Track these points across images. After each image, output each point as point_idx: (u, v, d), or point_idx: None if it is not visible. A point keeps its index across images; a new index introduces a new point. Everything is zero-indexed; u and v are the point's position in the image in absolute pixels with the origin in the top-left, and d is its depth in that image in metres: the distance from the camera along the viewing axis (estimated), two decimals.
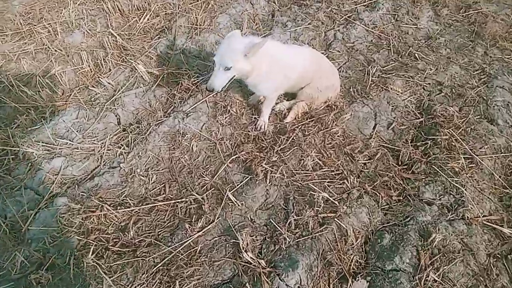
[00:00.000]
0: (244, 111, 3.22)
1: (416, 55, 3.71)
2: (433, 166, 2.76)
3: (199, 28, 4.05)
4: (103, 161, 2.92)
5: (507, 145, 2.95)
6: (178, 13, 4.23)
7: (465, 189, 2.61)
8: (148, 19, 4.18)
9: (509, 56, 3.84)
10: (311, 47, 3.74)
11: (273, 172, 2.75)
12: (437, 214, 2.49)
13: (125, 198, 2.68)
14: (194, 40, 3.95)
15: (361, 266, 2.32)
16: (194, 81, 3.49)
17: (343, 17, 4.27)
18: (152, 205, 2.64)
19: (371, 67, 3.59)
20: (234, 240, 2.39)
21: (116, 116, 3.26)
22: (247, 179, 2.77)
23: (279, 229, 2.42)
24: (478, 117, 3.15)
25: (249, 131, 3.09)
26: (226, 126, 3.12)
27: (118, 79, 3.54)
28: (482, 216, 2.49)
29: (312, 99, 3.17)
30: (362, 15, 4.23)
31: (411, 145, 2.94)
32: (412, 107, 3.26)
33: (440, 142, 2.87)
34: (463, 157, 2.78)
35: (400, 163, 2.84)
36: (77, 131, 3.10)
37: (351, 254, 2.36)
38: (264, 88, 2.86)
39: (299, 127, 3.07)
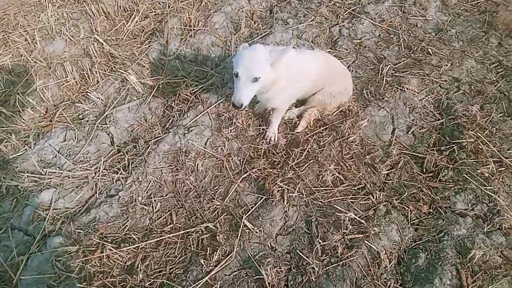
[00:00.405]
0: (250, 122, 2.95)
1: (429, 50, 3.47)
2: (461, 173, 2.55)
3: (193, 29, 3.74)
4: (99, 190, 2.62)
5: None
6: (169, 13, 3.90)
7: (498, 196, 2.42)
8: (136, 22, 3.84)
9: None
10: (320, 48, 3.45)
11: (290, 191, 2.50)
12: (472, 226, 2.29)
13: (128, 232, 2.40)
14: (189, 43, 3.64)
15: None
16: (192, 90, 3.19)
17: (347, 10, 4.00)
18: (159, 238, 2.36)
19: (383, 66, 3.34)
20: (257, 276, 2.13)
21: (108, 135, 2.95)
22: (262, 200, 2.51)
23: (305, 258, 2.16)
24: (501, 115, 2.95)
25: (258, 145, 2.81)
26: (232, 140, 2.85)
27: (108, 92, 3.21)
28: None
29: (324, 105, 2.92)
30: (368, 8, 3.96)
31: (435, 150, 2.70)
32: (430, 107, 3.03)
33: (466, 146, 2.66)
34: (492, 161, 2.55)
35: (425, 171, 2.62)
36: (66, 156, 2.79)
37: (386, 279, 2.13)
38: (280, 100, 2.59)
39: (313, 137, 2.81)
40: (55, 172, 2.68)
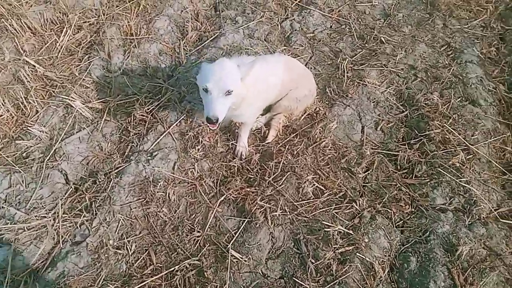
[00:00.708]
0: (218, 138, 2.78)
1: (382, 38, 3.49)
2: (434, 166, 2.62)
3: (136, 38, 3.42)
4: (62, 238, 2.36)
5: (494, 127, 2.90)
6: (105, 22, 3.53)
7: (471, 186, 2.50)
8: (69, 35, 3.42)
9: (467, 26, 3.79)
10: (277, 49, 3.32)
11: (272, 209, 2.41)
12: (454, 221, 2.37)
13: (104, 282, 2.19)
14: (134, 54, 3.34)
15: None
16: (148, 108, 2.94)
17: (294, 2, 3.87)
18: (140, 283, 2.18)
19: (341, 60, 3.30)
20: None
21: (61, 172, 2.65)
22: (244, 224, 2.39)
23: (301, 282, 2.10)
24: (459, 99, 3.06)
25: (230, 162, 2.67)
26: (201, 160, 2.68)
27: (52, 122, 2.87)
28: (495, 211, 2.40)
29: (291, 110, 2.84)
30: None
31: (406, 145, 2.74)
32: (393, 99, 3.06)
33: (434, 137, 2.73)
34: (461, 150, 2.64)
35: (399, 168, 2.65)
36: (16, 205, 2.46)
37: None
38: (248, 114, 2.46)
39: (285, 146, 2.72)
40: (5, 227, 2.35)
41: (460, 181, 2.49)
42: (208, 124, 2.10)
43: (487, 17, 3.90)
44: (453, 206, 2.41)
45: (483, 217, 2.36)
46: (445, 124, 2.79)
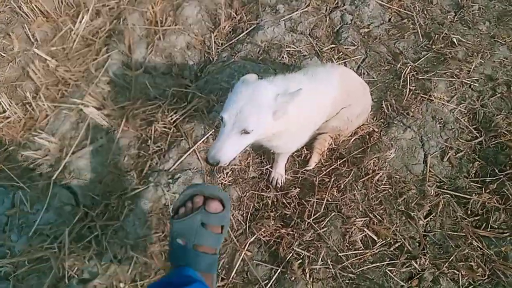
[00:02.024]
0: (250, 160, 2.39)
1: (453, 39, 2.91)
2: None
3: (161, 27, 3.00)
4: (68, 273, 2.08)
5: None
6: (126, 6, 3.11)
7: None
8: (86, 22, 3.04)
9: None
10: (328, 60, 2.82)
11: (312, 259, 2.03)
12: None
13: None
14: (158, 48, 2.95)
15: None
16: (171, 118, 2.56)
17: None
18: None
19: (401, 65, 2.78)
20: None
21: (71, 192, 2.36)
22: (277, 274, 2.03)
23: None
24: None
25: (263, 191, 2.29)
26: (230, 186, 2.32)
27: (62, 130, 2.57)
28: None
29: (339, 132, 2.39)
30: None
31: (479, 183, 2.26)
32: (464, 120, 2.55)
33: None
34: None
35: (470, 213, 2.18)
36: (17, 230, 2.20)
37: None
38: (289, 146, 2.06)
39: (330, 176, 2.30)
40: (5, 261, 2.10)
41: None
42: (206, 162, 1.70)
43: None
44: None
45: None
46: None
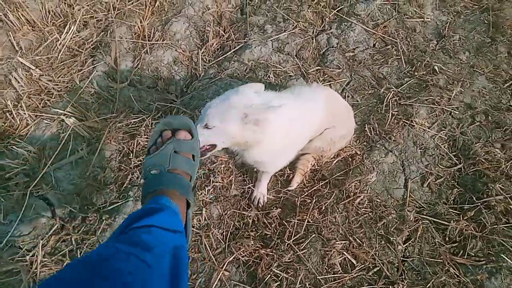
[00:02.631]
0: (232, 178, 2.40)
1: (435, 67, 3.03)
2: (493, 244, 2.20)
3: (149, 41, 3.02)
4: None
5: None
6: (115, 19, 3.13)
7: None
8: (73, 32, 3.04)
9: None
10: (312, 81, 2.89)
11: (290, 281, 2.03)
12: None
13: None
14: (145, 61, 2.96)
15: None
16: None
17: (332, 12, 3.40)
18: None
19: (384, 90, 2.86)
20: None
21: (47, 203, 2.30)
22: None
23: None
24: None
25: (244, 210, 2.29)
26: (211, 204, 2.30)
27: (42, 139, 2.53)
28: None
29: (322, 152, 2.42)
30: (357, 8, 3.40)
31: (457, 209, 2.32)
32: (444, 147, 2.62)
33: (494, 206, 2.27)
34: None
35: (448, 240, 2.22)
36: None
37: None
38: (274, 165, 2.07)
39: (312, 197, 2.32)
40: None
41: None
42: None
43: None
44: None
45: None
46: (508, 188, 2.34)
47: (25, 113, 2.59)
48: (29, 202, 2.30)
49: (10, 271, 2.07)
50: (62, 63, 2.93)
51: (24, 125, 2.59)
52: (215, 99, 1.76)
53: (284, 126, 1.83)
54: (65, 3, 3.21)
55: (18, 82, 2.72)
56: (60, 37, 3.01)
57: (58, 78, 2.84)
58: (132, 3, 3.31)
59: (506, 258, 2.08)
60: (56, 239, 2.21)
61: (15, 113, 2.60)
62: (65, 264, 2.07)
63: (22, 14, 2.99)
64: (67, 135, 2.53)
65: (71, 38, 3.04)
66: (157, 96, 2.86)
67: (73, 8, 3.19)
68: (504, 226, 2.22)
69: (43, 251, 2.14)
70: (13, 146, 2.43)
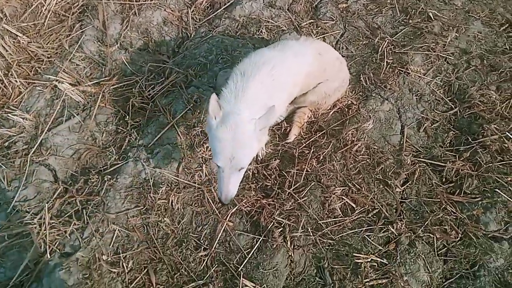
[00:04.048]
0: None
1: (430, 13, 3.04)
2: (488, 181, 2.31)
3: (137, 2, 3.02)
4: (49, 249, 2.13)
5: None
6: None
7: None
8: None
9: None
10: (302, 31, 2.90)
11: (292, 227, 2.14)
12: (510, 253, 2.07)
13: None
14: (134, 23, 2.98)
15: None
16: (149, 93, 2.61)
17: None
18: None
19: (379, 40, 2.89)
20: None
21: (49, 169, 2.39)
22: (259, 243, 2.14)
23: None
24: None
25: None
26: (210, 160, 2.39)
27: (37, 107, 2.58)
28: None
29: (318, 105, 2.49)
30: None
31: (453, 151, 2.42)
32: (440, 92, 2.69)
33: (489, 145, 2.37)
34: None
35: (445, 181, 2.33)
36: None
37: None
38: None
39: (310, 148, 2.41)
40: None
41: None
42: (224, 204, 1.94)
43: None
44: (510, 235, 2.12)
45: None
46: (503, 128, 2.43)
47: (16, 81, 2.62)
48: (30, 169, 2.37)
49: (20, 234, 2.18)
50: (49, 29, 2.93)
51: (17, 93, 2.63)
52: (222, 143, 1.78)
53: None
54: None
55: (6, 50, 2.74)
56: (45, 2, 2.99)
57: (47, 44, 2.86)
58: None
59: (501, 192, 2.19)
60: (61, 202, 2.30)
61: (7, 82, 2.63)
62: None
63: None
64: (61, 101, 2.57)
65: (56, 3, 3.03)
66: (149, 57, 2.89)
67: None
68: (499, 164, 2.32)
69: (49, 213, 2.23)
70: (9, 114, 2.47)
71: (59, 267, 2.08)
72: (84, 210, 2.24)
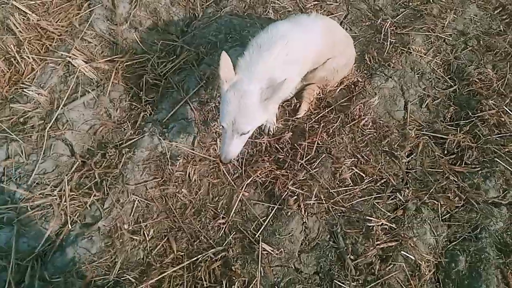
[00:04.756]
0: None
1: None
2: (487, 152, 2.44)
3: None
4: (70, 219, 2.18)
5: None
6: None
7: None
8: None
9: None
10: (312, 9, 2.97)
11: (306, 196, 2.24)
12: (509, 217, 2.22)
13: (120, 272, 2.04)
14: (142, 3, 2.99)
15: None
16: (161, 71, 2.66)
17: None
18: (160, 274, 2.04)
19: (381, 21, 2.98)
20: None
21: (65, 143, 2.42)
22: (274, 211, 2.23)
23: (339, 283, 1.99)
24: None
25: (256, 139, 2.46)
26: None
27: (51, 83, 2.59)
28: None
29: (326, 81, 2.58)
30: None
31: (454, 126, 2.55)
32: (440, 71, 2.81)
33: (487, 119, 2.51)
34: None
35: (447, 153, 2.46)
36: (17, 180, 2.25)
37: None
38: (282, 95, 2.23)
39: (319, 123, 2.50)
40: (6, 206, 2.17)
41: None
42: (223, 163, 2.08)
43: None
44: (508, 201, 2.26)
45: None
46: (500, 104, 2.56)
47: (29, 57, 2.62)
48: (47, 143, 2.40)
49: (42, 205, 2.21)
50: (58, 8, 2.93)
51: (30, 70, 2.64)
52: (229, 104, 1.88)
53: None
54: None
55: (17, 28, 2.73)
56: None
57: (56, 22, 2.85)
58: None
59: (499, 161, 2.33)
60: (79, 175, 2.35)
61: (19, 58, 2.63)
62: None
63: None
64: (75, 77, 2.59)
65: None
66: (158, 37, 2.92)
67: None
68: (497, 136, 2.46)
69: (69, 185, 2.27)
70: (24, 90, 2.48)
71: (81, 237, 2.13)
72: (103, 182, 2.28)
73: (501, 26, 3.08)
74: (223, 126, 1.92)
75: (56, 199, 2.23)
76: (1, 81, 2.61)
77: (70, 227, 2.18)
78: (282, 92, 2.04)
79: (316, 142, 2.41)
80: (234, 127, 1.89)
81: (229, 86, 1.91)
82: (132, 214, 2.21)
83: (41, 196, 2.23)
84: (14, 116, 2.48)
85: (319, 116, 2.56)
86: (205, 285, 2.03)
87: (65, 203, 2.22)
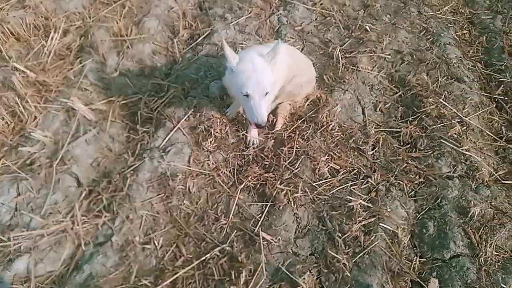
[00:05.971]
0: (228, 129, 2.82)
1: (366, 27, 3.68)
2: (435, 139, 2.80)
3: (128, 38, 3.38)
4: (84, 240, 2.29)
5: (480, 100, 3.15)
6: (92, 24, 3.46)
7: (471, 153, 2.71)
8: (56, 40, 3.33)
9: (439, 12, 4.08)
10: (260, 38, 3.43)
11: (293, 191, 2.48)
12: (461, 186, 2.56)
13: (137, 279, 2.15)
14: (128, 55, 3.31)
15: (420, 263, 2.26)
16: (153, 106, 2.93)
17: None
18: (173, 276, 2.17)
19: (332, 49, 3.45)
20: (290, 286, 2.11)
21: (72, 176, 2.57)
22: (267, 207, 2.44)
23: (335, 255, 2.20)
24: (445, 78, 3.30)
25: (243, 151, 2.72)
26: (215, 152, 2.71)
27: (54, 127, 2.78)
28: (494, 174, 2.63)
29: (294, 96, 2.94)
30: None
31: (405, 122, 2.93)
32: (386, 82, 3.25)
33: (430, 113, 2.91)
34: (456, 122, 2.86)
35: (403, 144, 2.82)
36: (29, 212, 2.37)
37: (407, 255, 2.29)
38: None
39: (295, 132, 2.81)
40: (22, 234, 2.26)
41: (461, 149, 2.69)
42: (257, 127, 2.26)
43: (455, 3, 4.21)
44: (458, 173, 2.60)
45: (486, 180, 2.57)
46: (439, 100, 2.98)
47: (31, 107, 2.82)
48: (56, 177, 2.55)
49: (57, 230, 2.32)
50: (53, 66, 3.19)
51: (33, 118, 2.82)
52: (245, 73, 2.15)
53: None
54: (42, 16, 3.47)
55: (18, 85, 2.94)
56: (46, 44, 3.27)
57: (53, 78, 3.10)
58: (104, 10, 3.65)
59: (446, 143, 2.70)
60: (88, 201, 2.48)
61: (23, 109, 2.83)
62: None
63: (6, 28, 3.23)
64: (76, 119, 2.81)
65: (56, 44, 3.30)
66: (145, 81, 3.21)
67: (51, 20, 3.46)
68: (440, 125, 2.86)
69: (80, 211, 2.41)
70: (31, 133, 2.66)
71: (96, 254, 2.25)
72: (112, 204, 2.43)
73: (427, 43, 3.62)
74: (247, 94, 2.13)
75: (69, 224, 2.35)
76: (5, 131, 2.76)
77: (84, 248, 2.28)
78: (278, 61, 2.27)
79: (294, 147, 2.70)
80: (259, 88, 2.11)
81: (237, 61, 2.20)
82: (141, 228, 2.35)
83: (55, 223, 2.34)
84: (20, 159, 2.62)
85: (294, 127, 2.87)
86: (216, 279, 2.16)
87: (77, 226, 2.34)
